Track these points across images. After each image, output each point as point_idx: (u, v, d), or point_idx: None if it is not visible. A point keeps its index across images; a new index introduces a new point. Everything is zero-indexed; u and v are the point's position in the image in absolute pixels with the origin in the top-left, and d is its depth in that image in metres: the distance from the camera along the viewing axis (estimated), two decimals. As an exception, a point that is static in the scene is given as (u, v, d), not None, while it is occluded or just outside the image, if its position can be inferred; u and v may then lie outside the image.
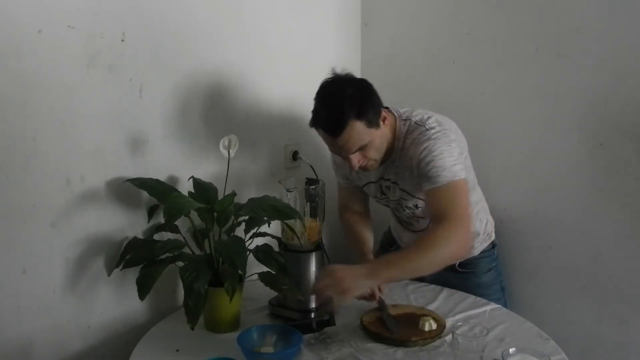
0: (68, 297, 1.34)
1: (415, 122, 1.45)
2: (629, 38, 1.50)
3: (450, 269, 1.62)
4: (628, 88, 1.52)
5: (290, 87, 1.86)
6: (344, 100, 1.32)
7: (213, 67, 1.60)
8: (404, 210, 1.58)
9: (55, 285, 1.31)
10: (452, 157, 1.38)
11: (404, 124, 1.46)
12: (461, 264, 1.63)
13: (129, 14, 1.37)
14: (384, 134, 1.43)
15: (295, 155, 1.89)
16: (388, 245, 1.80)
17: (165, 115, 1.49)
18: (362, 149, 1.38)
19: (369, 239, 1.64)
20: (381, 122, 1.40)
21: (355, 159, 1.39)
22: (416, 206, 1.54)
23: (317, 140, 1.94)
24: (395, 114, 1.49)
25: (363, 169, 1.45)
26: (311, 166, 1.56)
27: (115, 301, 1.43)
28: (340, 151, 1.39)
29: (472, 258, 1.64)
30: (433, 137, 1.40)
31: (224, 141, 1.39)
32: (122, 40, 1.36)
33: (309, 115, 1.94)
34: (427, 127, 1.42)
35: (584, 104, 1.60)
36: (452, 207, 1.35)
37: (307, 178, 1.48)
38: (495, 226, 1.71)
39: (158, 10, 1.43)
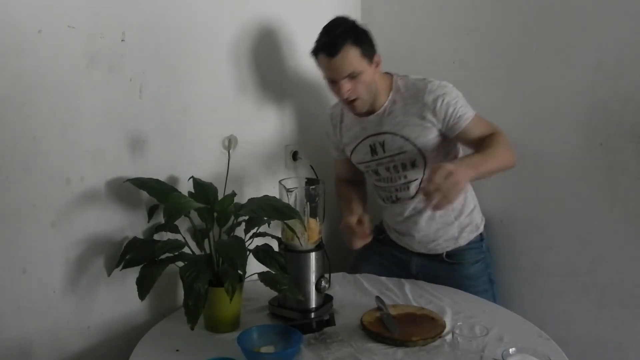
0: (68, 297, 1.34)
1: (415, 78, 1.59)
2: (629, 38, 1.50)
3: (438, 259, 1.65)
4: (628, 88, 1.52)
5: (290, 87, 1.86)
6: (343, 28, 1.50)
7: (213, 67, 1.60)
8: (396, 172, 1.62)
9: (55, 285, 1.31)
10: (463, 98, 1.55)
11: (401, 79, 1.61)
12: (448, 255, 1.67)
13: (129, 14, 1.37)
14: (375, 76, 1.55)
15: (295, 155, 1.89)
16: (377, 233, 1.80)
17: (165, 115, 1.49)
18: (353, 76, 1.50)
19: (358, 199, 1.72)
20: (374, 63, 1.54)
21: (346, 86, 1.51)
22: (413, 164, 1.59)
23: (317, 140, 1.95)
24: (391, 73, 1.63)
25: (351, 105, 1.56)
26: (311, 166, 1.56)
27: (115, 301, 1.43)
28: (334, 74, 1.51)
29: (459, 248, 1.66)
30: (442, 85, 1.54)
31: (224, 141, 1.39)
32: (122, 40, 1.36)
33: (309, 116, 1.96)
34: (428, 79, 1.56)
35: (584, 104, 1.60)
36: (491, 129, 1.53)
37: (307, 178, 1.48)
38: (496, 226, 1.71)
39: (158, 10, 1.43)
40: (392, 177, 1.64)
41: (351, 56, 1.48)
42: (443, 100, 1.52)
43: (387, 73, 1.63)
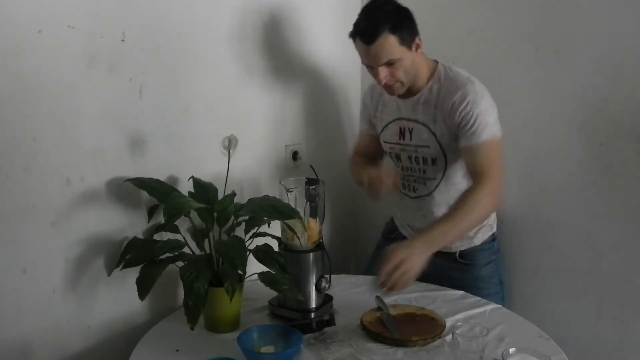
0: (68, 297, 1.34)
1: (457, 71, 1.53)
2: (629, 38, 1.50)
3: (451, 259, 1.63)
4: (628, 88, 1.52)
5: (290, 86, 1.86)
6: (382, 14, 1.43)
7: (213, 67, 1.60)
8: (416, 163, 1.60)
9: (55, 285, 1.31)
10: (494, 115, 1.47)
11: (444, 68, 1.54)
12: (461, 255, 1.65)
13: (129, 14, 1.37)
14: (415, 60, 1.50)
15: (295, 155, 1.89)
16: (389, 233, 1.81)
17: (165, 115, 1.49)
18: (391, 64, 1.46)
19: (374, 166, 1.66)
20: (414, 47, 1.48)
21: (383, 72, 1.47)
22: (434, 161, 1.56)
23: (317, 140, 1.95)
24: (436, 60, 1.57)
25: (389, 88, 1.52)
26: (311, 166, 1.56)
27: (115, 301, 1.43)
28: (371, 61, 1.47)
29: (473, 249, 1.65)
30: (479, 91, 1.47)
31: (224, 141, 1.39)
32: (122, 40, 1.36)
33: (310, 116, 1.96)
34: (471, 79, 1.50)
35: (584, 104, 1.60)
36: (490, 168, 1.44)
37: (307, 178, 1.48)
38: (497, 225, 1.71)
39: (158, 10, 1.43)
40: (412, 168, 1.63)
41: (389, 44, 1.43)
42: (467, 104, 1.46)
43: (432, 59, 1.57)
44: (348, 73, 2.08)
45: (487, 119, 1.45)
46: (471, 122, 1.45)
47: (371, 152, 1.77)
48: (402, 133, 1.61)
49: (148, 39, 1.42)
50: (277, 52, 1.80)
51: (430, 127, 1.54)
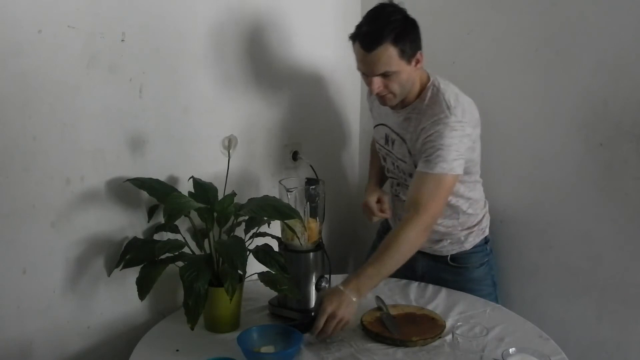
0: (68, 297, 1.34)
1: (443, 97, 1.46)
2: (628, 38, 1.50)
3: (443, 261, 1.64)
4: (628, 88, 1.52)
5: (290, 87, 1.86)
6: (387, 23, 1.38)
7: (213, 67, 1.60)
8: (398, 171, 1.62)
9: (55, 285, 1.31)
10: (458, 151, 1.42)
11: (432, 89, 1.49)
12: (453, 258, 1.64)
13: (129, 14, 1.37)
14: (413, 75, 1.46)
15: (295, 155, 1.89)
16: (383, 233, 1.80)
17: (165, 115, 1.49)
18: (387, 75, 1.41)
19: (381, 170, 1.74)
20: (414, 62, 1.43)
21: (377, 83, 1.43)
22: (411, 175, 1.54)
23: (317, 140, 1.95)
24: (431, 77, 1.52)
25: (381, 99, 1.48)
26: (311, 166, 1.56)
27: (115, 301, 1.43)
28: (367, 69, 1.42)
29: (464, 252, 1.64)
30: (451, 124, 1.41)
31: (224, 141, 1.39)
32: (122, 40, 1.36)
33: (310, 115, 1.96)
34: (450, 110, 1.43)
35: (584, 104, 1.60)
36: (430, 200, 1.40)
37: (307, 178, 1.48)
38: (496, 226, 1.71)
39: (158, 10, 1.43)
40: (396, 173, 1.64)
41: (388, 55, 1.38)
42: (433, 134, 1.41)
43: (427, 74, 1.52)
44: (348, 73, 2.07)
45: (447, 155, 1.40)
46: (431, 150, 1.41)
47: None
48: (387, 139, 1.62)
49: (148, 39, 1.42)
50: (277, 52, 1.80)
51: (407, 144, 1.53)
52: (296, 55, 1.86)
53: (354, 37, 1.43)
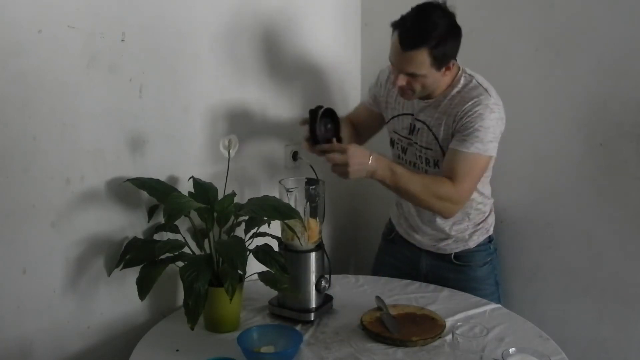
0: (68, 297, 1.34)
1: (477, 82, 1.50)
2: (628, 38, 1.50)
3: (447, 260, 1.63)
4: (628, 88, 1.52)
5: (290, 87, 1.86)
6: (431, 27, 1.38)
7: (213, 67, 1.60)
8: (420, 162, 1.59)
9: (55, 285, 1.31)
10: (494, 134, 1.45)
11: (464, 78, 1.51)
12: (457, 257, 1.65)
13: (129, 14, 1.36)
14: (439, 80, 1.48)
15: (295, 155, 1.89)
16: (387, 235, 1.81)
17: (165, 115, 1.49)
18: (414, 76, 1.43)
19: (351, 130, 1.71)
20: (444, 69, 1.45)
21: (402, 80, 1.45)
22: (436, 164, 1.55)
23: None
24: (460, 67, 1.53)
25: (401, 91, 1.50)
26: (311, 166, 1.56)
27: (115, 301, 1.43)
28: (397, 64, 1.44)
29: (468, 251, 1.64)
30: (491, 105, 1.45)
31: (224, 141, 1.39)
32: (122, 40, 1.36)
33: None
34: (489, 92, 1.47)
35: (584, 104, 1.60)
36: (465, 177, 1.45)
37: (307, 178, 1.48)
38: (496, 226, 1.71)
39: (158, 10, 1.43)
40: (416, 164, 1.62)
41: (421, 60, 1.39)
42: (474, 114, 1.44)
43: (457, 64, 1.53)
44: (348, 73, 2.08)
45: (485, 135, 1.43)
46: (469, 130, 1.44)
47: (360, 125, 1.76)
48: (412, 129, 1.60)
49: (148, 39, 1.41)
50: (278, 52, 1.80)
51: (433, 131, 1.53)
52: (297, 55, 1.86)
53: (395, 27, 1.42)
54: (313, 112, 1.48)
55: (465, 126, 1.45)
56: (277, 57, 1.80)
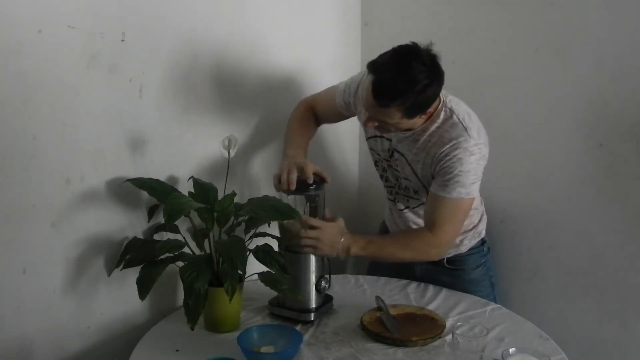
0: (68, 297, 1.34)
1: (457, 119, 1.40)
2: (629, 38, 1.50)
3: (440, 264, 1.63)
4: (628, 88, 1.52)
5: (290, 87, 1.86)
6: (410, 85, 1.27)
7: (213, 68, 1.60)
8: (399, 187, 1.59)
9: (55, 285, 1.31)
10: (476, 175, 1.41)
11: (444, 112, 1.42)
12: (449, 261, 1.63)
13: (129, 14, 1.36)
14: (416, 122, 1.40)
15: (295, 155, 1.88)
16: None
17: (165, 115, 1.49)
18: (387, 123, 1.38)
19: (305, 144, 1.61)
20: (418, 117, 1.36)
21: (373, 124, 1.40)
22: (416, 192, 1.55)
23: (317, 140, 1.95)
24: (441, 98, 1.42)
25: (375, 128, 1.43)
26: (311, 166, 1.56)
27: (115, 301, 1.43)
28: (368, 108, 1.36)
29: (460, 255, 1.64)
30: (471, 148, 1.38)
31: (224, 141, 1.39)
32: (122, 40, 1.36)
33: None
34: (468, 132, 1.39)
35: (583, 104, 1.60)
36: (446, 222, 1.44)
37: (307, 178, 1.47)
38: (496, 226, 1.71)
39: (158, 10, 1.43)
40: (398, 185, 1.61)
41: (392, 114, 1.32)
42: (453, 159, 1.38)
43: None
44: (348, 73, 2.07)
45: (466, 179, 1.38)
46: (449, 176, 1.39)
47: (322, 118, 1.70)
48: (391, 154, 1.55)
49: (148, 39, 1.41)
50: (278, 52, 1.80)
51: (412, 166, 1.50)
52: (296, 55, 1.86)
53: (370, 71, 1.32)
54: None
55: (445, 171, 1.39)
56: (277, 56, 1.80)
